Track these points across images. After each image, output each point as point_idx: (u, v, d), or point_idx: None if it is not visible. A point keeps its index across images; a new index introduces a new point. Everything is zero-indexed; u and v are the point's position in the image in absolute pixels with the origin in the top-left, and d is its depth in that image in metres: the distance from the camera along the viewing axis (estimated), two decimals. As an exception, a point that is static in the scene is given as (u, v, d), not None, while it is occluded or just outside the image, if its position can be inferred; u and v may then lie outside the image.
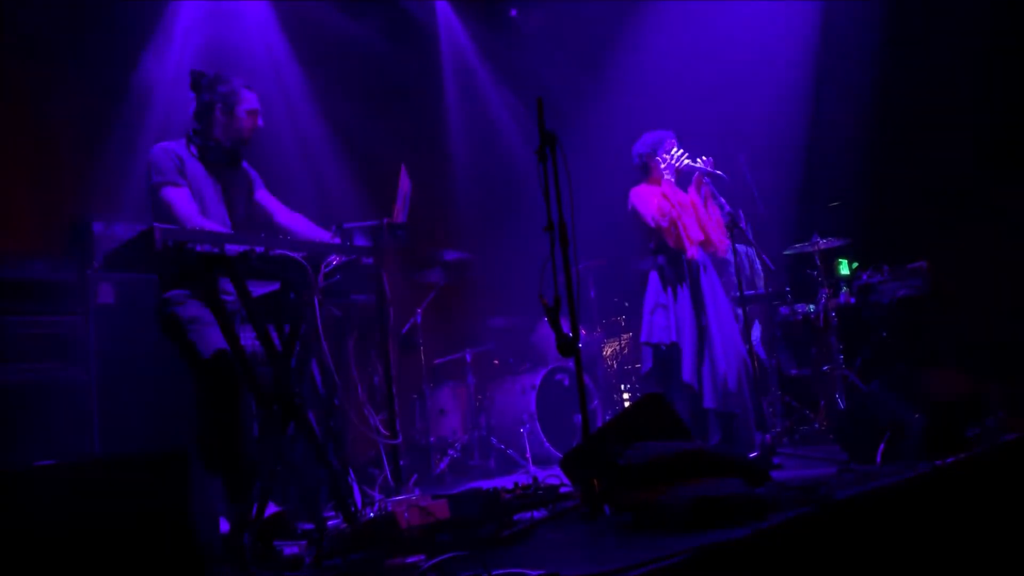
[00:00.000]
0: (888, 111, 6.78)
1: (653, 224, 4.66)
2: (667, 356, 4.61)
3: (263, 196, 3.79)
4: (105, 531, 1.98)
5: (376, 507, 3.07)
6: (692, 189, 4.76)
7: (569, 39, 8.28)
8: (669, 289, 4.69)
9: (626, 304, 7.01)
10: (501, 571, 2.09)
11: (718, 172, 4.66)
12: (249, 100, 3.59)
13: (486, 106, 8.23)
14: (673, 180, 4.75)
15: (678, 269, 4.70)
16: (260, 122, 3.64)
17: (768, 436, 4.36)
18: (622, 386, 6.77)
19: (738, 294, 4.73)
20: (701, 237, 4.75)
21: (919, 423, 3.55)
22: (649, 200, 4.73)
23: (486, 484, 4.22)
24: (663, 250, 4.74)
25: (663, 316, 4.66)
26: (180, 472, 2.16)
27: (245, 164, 3.74)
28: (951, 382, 3.92)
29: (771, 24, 7.28)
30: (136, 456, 2.17)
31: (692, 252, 4.64)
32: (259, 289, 3.37)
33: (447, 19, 8.09)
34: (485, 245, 7.62)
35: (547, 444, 5.81)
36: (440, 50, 8.06)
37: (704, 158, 4.69)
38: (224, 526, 2.99)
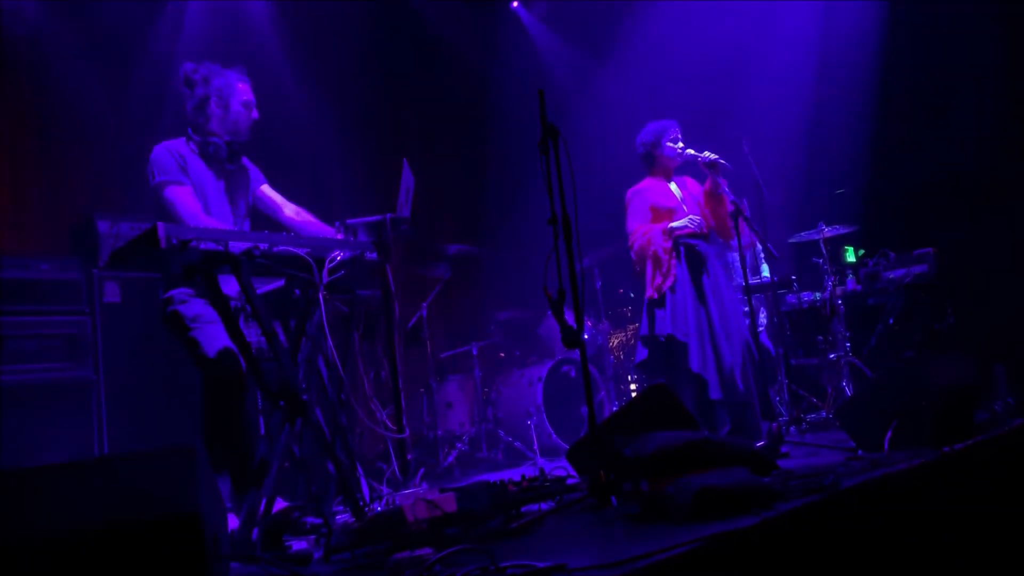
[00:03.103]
0: (893, 96, 6.75)
1: (628, 242, 4.74)
2: (668, 348, 4.61)
3: (266, 191, 3.79)
4: (113, 529, 1.98)
5: (384, 501, 3.08)
6: (706, 183, 4.80)
7: (571, 29, 8.26)
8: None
9: (631, 295, 7.01)
10: (509, 563, 2.09)
11: (722, 161, 4.65)
12: (243, 92, 3.59)
13: (489, 98, 8.20)
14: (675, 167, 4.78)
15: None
16: (255, 114, 3.64)
17: (775, 425, 4.34)
18: (628, 377, 6.76)
19: (742, 282, 4.72)
20: (705, 230, 4.77)
21: (927, 410, 3.53)
22: (636, 214, 4.76)
23: (493, 477, 4.22)
24: (643, 267, 4.78)
25: (663, 308, 4.66)
26: (188, 469, 2.16)
27: (246, 160, 3.74)
28: (959, 368, 3.90)
29: (775, 10, 7.25)
30: (144, 454, 2.17)
31: (648, 294, 4.67)
32: (264, 286, 3.37)
33: (448, 11, 8.07)
34: (490, 238, 7.62)
35: (554, 436, 5.81)
36: (442, 42, 8.04)
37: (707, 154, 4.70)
38: (232, 522, 2.99)
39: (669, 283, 4.61)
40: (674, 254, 4.66)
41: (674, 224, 4.65)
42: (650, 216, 4.73)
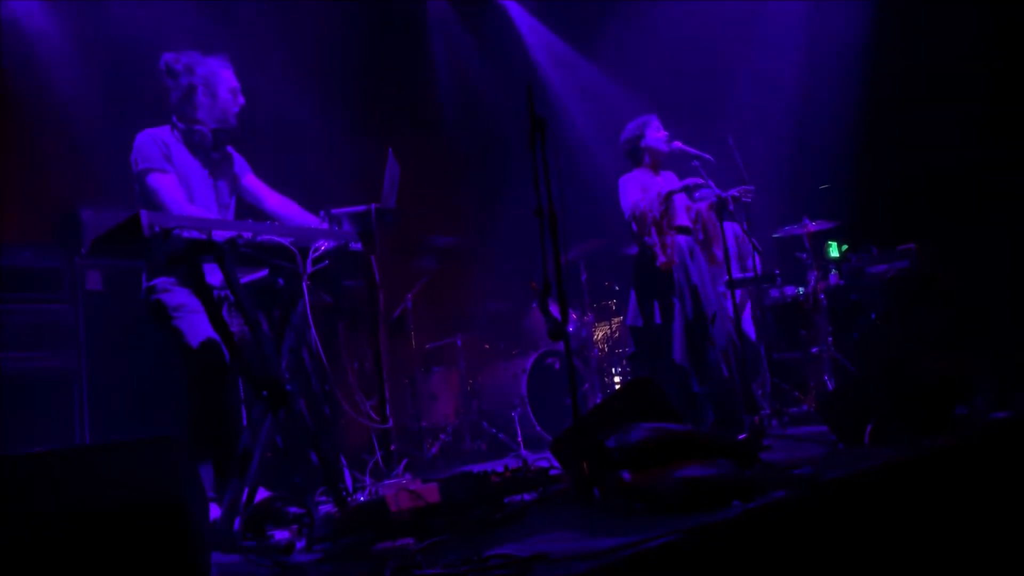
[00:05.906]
0: (878, 93, 6.78)
1: (628, 216, 4.71)
2: (655, 339, 4.63)
3: (250, 181, 3.76)
4: (95, 519, 1.98)
5: (367, 492, 3.08)
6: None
7: (561, 22, 8.26)
8: (656, 273, 4.70)
9: (616, 288, 7.02)
10: (491, 553, 2.10)
11: (706, 156, 4.68)
12: (228, 79, 3.55)
13: (477, 90, 8.19)
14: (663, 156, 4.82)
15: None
16: (241, 100, 3.61)
17: (757, 418, 4.37)
18: (613, 369, 6.78)
19: (727, 276, 4.74)
20: (688, 224, 4.79)
21: (907, 404, 3.56)
22: (630, 191, 4.76)
23: (477, 468, 4.22)
24: (648, 235, 4.76)
25: (648, 300, 4.68)
26: (171, 459, 2.16)
27: (231, 148, 3.71)
28: (940, 363, 3.93)
29: (762, 6, 7.27)
30: (126, 443, 2.16)
31: (663, 261, 4.64)
32: (247, 275, 3.36)
33: (437, 2, 8.05)
34: (476, 230, 7.61)
35: (538, 428, 5.82)
36: (430, 33, 8.01)
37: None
38: (214, 512, 2.99)
39: (672, 251, 4.63)
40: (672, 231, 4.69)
41: (673, 189, 4.68)
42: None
